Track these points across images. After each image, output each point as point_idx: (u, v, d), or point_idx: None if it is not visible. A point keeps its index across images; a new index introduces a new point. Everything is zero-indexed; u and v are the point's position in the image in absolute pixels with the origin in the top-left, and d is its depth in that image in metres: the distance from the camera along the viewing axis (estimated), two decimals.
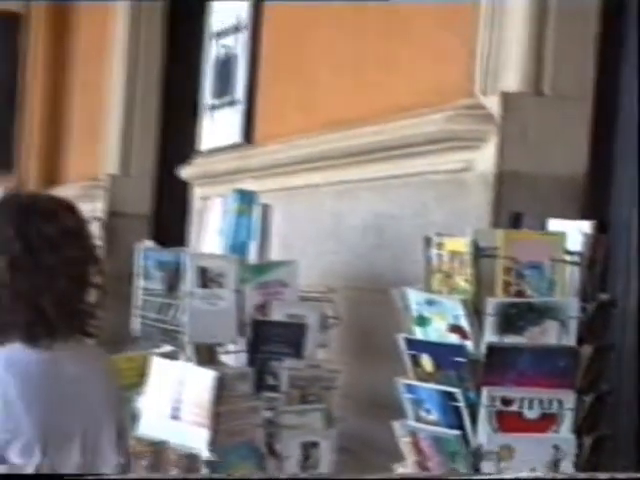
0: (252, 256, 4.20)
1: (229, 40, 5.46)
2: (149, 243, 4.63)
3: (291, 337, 4.05)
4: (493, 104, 3.71)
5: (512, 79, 3.76)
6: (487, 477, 3.26)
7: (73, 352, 3.24)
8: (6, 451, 3.09)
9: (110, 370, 3.49)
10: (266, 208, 4.29)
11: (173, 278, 4.15)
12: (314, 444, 4.05)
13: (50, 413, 3.18)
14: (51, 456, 3.17)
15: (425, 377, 3.57)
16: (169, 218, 6.58)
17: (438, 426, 3.51)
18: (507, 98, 3.69)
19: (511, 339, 3.23)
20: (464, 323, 3.28)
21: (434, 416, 3.54)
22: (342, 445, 4.12)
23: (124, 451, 3.49)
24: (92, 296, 3.32)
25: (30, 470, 3.11)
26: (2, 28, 8.86)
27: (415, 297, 3.57)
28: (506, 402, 3.22)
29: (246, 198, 4.28)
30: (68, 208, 3.35)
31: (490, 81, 3.79)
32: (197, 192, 5.60)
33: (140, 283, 4.64)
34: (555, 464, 3.25)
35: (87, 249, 3.30)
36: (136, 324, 4.47)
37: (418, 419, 3.60)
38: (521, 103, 3.69)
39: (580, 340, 3.27)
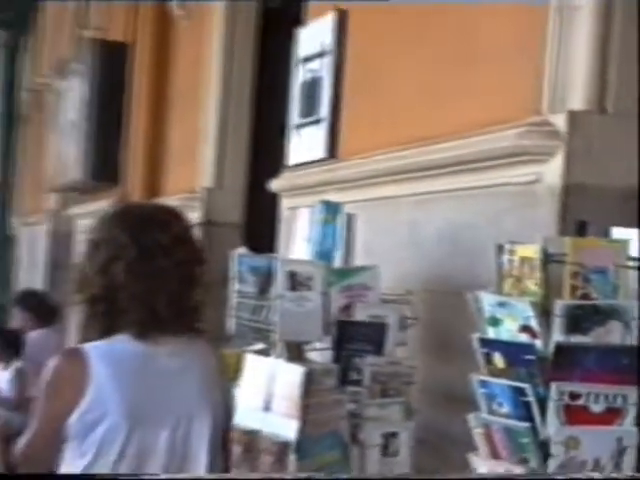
0: (337, 262, 4.20)
1: (315, 64, 5.46)
2: (243, 250, 4.63)
3: (373, 336, 4.04)
4: (560, 122, 3.69)
5: (577, 98, 3.74)
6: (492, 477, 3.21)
7: (175, 347, 3.33)
8: (94, 430, 3.19)
9: (215, 366, 3.51)
10: (350, 218, 4.29)
11: (265, 282, 4.16)
12: (394, 434, 4.04)
13: (139, 400, 3.27)
14: (137, 439, 3.26)
15: (497, 373, 3.56)
16: (259, 227, 6.59)
17: (509, 419, 3.49)
18: (573, 116, 3.67)
19: (577, 339, 3.20)
20: (534, 324, 3.25)
21: (506, 409, 3.52)
22: (420, 436, 4.11)
23: (228, 443, 3.55)
24: (199, 295, 3.38)
25: (116, 449, 3.22)
26: (111, 56, 8.99)
27: (488, 299, 3.55)
28: (573, 397, 3.20)
29: (331, 209, 4.29)
30: (177, 216, 3.46)
31: (557, 100, 3.77)
32: (285, 203, 5.60)
33: (235, 286, 4.65)
34: (619, 455, 3.23)
35: (194, 252, 3.38)
36: (231, 324, 4.49)
37: (491, 412, 3.58)
38: (586, 120, 3.67)
39: None
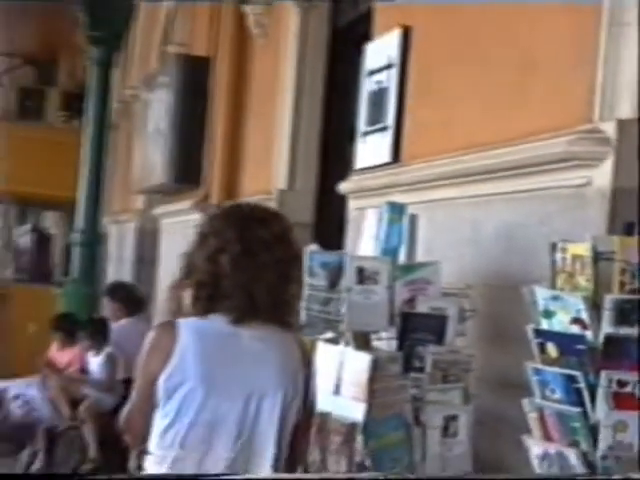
0: (402, 258, 4.21)
1: (381, 76, 5.46)
2: (314, 247, 4.64)
3: (434, 327, 4.04)
4: (610, 129, 3.67)
5: (626, 107, 3.71)
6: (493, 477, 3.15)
7: (261, 333, 3.45)
8: (175, 393, 3.34)
9: (299, 358, 3.57)
10: (413, 218, 4.29)
11: (335, 276, 4.17)
12: (454, 417, 4.05)
13: (216, 371, 3.41)
14: (211, 407, 3.40)
15: (550, 362, 3.54)
16: (328, 226, 6.59)
17: (561, 404, 3.47)
18: (622, 124, 3.65)
19: (625, 330, 3.19)
20: (585, 316, 3.25)
21: (558, 395, 3.50)
22: (477, 418, 4.09)
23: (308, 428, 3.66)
24: (294, 290, 3.55)
25: (191, 414, 3.38)
26: (194, 69, 9.10)
27: (542, 293, 3.54)
28: (621, 384, 3.19)
29: (397, 209, 4.28)
30: (278, 216, 3.61)
31: (607, 109, 3.75)
32: (352, 204, 5.60)
33: (306, 280, 4.66)
34: None
35: (292, 250, 3.51)
36: (303, 315, 4.50)
37: (544, 397, 3.56)
38: (634, 128, 3.64)
39: None
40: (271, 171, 7.47)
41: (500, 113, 4.38)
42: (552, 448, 3.54)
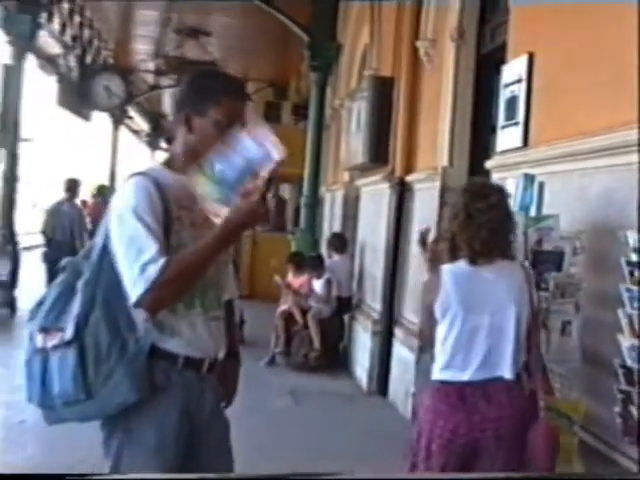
0: (532, 212, 4.16)
1: (514, 87, 5.39)
2: None
3: (555, 260, 4.00)
4: None
5: None
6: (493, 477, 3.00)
7: (493, 267, 3.50)
8: (445, 315, 3.45)
9: (520, 277, 3.57)
10: (541, 184, 4.24)
11: None
12: (569, 322, 4.03)
13: (469, 297, 3.46)
14: (470, 321, 3.44)
15: (637, 283, 3.47)
16: None
17: None
18: None
19: None
20: None
21: None
22: (585, 323, 4.02)
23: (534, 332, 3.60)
24: (512, 237, 3.65)
25: (458, 326, 3.44)
26: (382, 86, 9.06)
27: (632, 235, 3.51)
28: None
29: (529, 178, 4.24)
30: (494, 190, 3.65)
31: None
32: (495, 176, 5.54)
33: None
34: None
35: (503, 213, 3.56)
36: None
37: (632, 308, 3.49)
38: None
39: None
40: (436, 154, 7.44)
41: (600, 107, 4.27)
42: (637, 342, 3.48)
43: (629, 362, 3.50)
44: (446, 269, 3.51)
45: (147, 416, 2.70)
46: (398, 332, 8.13)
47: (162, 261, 2.56)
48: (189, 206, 2.73)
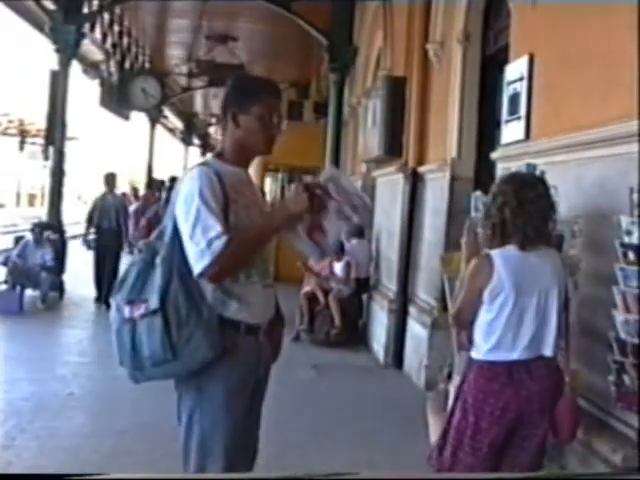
0: None
1: (516, 85, 5.38)
2: (477, 192, 4.65)
3: (556, 242, 3.93)
4: None
5: None
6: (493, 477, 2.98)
7: (538, 252, 3.42)
8: (496, 298, 3.36)
9: (558, 262, 3.53)
10: (542, 173, 4.23)
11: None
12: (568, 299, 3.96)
13: (519, 281, 3.38)
14: (519, 303, 3.37)
15: (631, 264, 3.47)
16: (484, 180, 6.51)
17: (637, 289, 3.41)
18: None
19: None
20: None
21: (634, 284, 3.43)
22: (582, 299, 4.02)
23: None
24: (552, 226, 3.55)
25: (509, 309, 3.35)
26: (395, 85, 9.03)
27: (624, 220, 3.52)
28: None
29: (531, 167, 4.26)
30: (538, 181, 3.61)
31: None
32: (499, 166, 5.55)
33: (472, 214, 4.68)
34: None
35: (546, 202, 3.50)
36: None
37: (626, 286, 3.49)
38: None
39: None
40: (446, 146, 7.43)
41: (594, 103, 4.26)
42: (630, 316, 3.48)
43: (623, 335, 3.52)
44: (497, 254, 3.39)
45: (216, 376, 2.92)
46: (412, 310, 8.16)
47: (226, 238, 2.80)
48: (242, 191, 3.01)
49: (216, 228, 2.82)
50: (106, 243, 11.60)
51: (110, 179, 12.26)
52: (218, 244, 2.80)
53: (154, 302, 2.86)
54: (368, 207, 3.08)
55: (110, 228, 11.67)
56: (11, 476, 2.13)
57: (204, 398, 2.95)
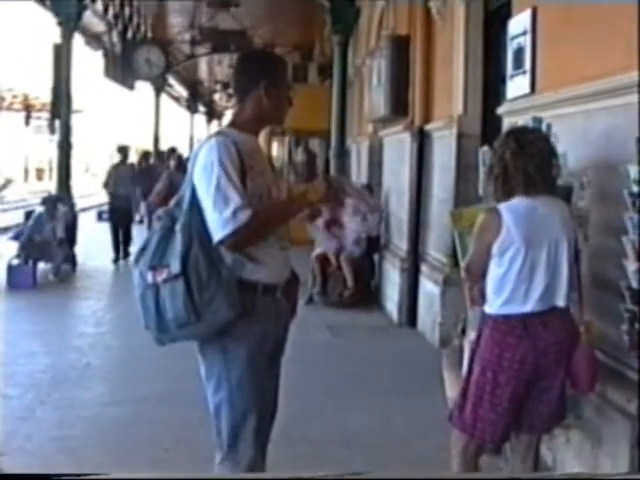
0: None
1: (520, 39, 5.33)
2: (484, 148, 4.63)
3: (564, 194, 3.90)
4: None
5: None
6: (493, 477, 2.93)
7: (546, 202, 3.41)
8: (506, 252, 3.34)
9: (567, 213, 3.52)
10: (548, 126, 4.22)
11: None
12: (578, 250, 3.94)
13: (529, 233, 3.34)
14: (530, 255, 3.35)
15: None
16: (491, 136, 6.47)
17: None
18: None
19: None
20: None
21: None
22: (593, 250, 4.01)
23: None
24: (556, 172, 3.53)
25: (519, 262, 3.33)
26: (399, 44, 9.05)
27: (632, 169, 3.52)
28: None
29: (537, 120, 4.22)
30: (538, 129, 3.86)
31: None
32: (506, 121, 5.50)
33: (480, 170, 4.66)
34: None
35: (551, 149, 3.54)
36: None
37: (635, 235, 3.48)
38: None
39: None
40: (452, 103, 7.38)
41: (598, 54, 4.21)
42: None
43: (634, 284, 3.51)
44: (504, 208, 3.36)
45: (238, 335, 3.05)
46: (424, 268, 8.17)
47: (249, 212, 2.94)
48: (257, 157, 3.16)
49: (237, 199, 2.94)
50: (120, 208, 13.19)
51: (123, 150, 13.94)
52: (241, 217, 2.93)
53: (176, 267, 2.97)
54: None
55: (124, 194, 13.24)
56: (10, 476, 2.07)
57: (229, 357, 3.08)
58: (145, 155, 17.27)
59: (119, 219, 13.17)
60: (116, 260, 12.95)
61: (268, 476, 3.16)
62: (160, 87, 23.20)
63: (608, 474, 3.02)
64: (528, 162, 3.35)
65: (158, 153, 19.35)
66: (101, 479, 1.86)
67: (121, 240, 13.04)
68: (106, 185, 13.55)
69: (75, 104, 13.08)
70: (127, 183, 13.28)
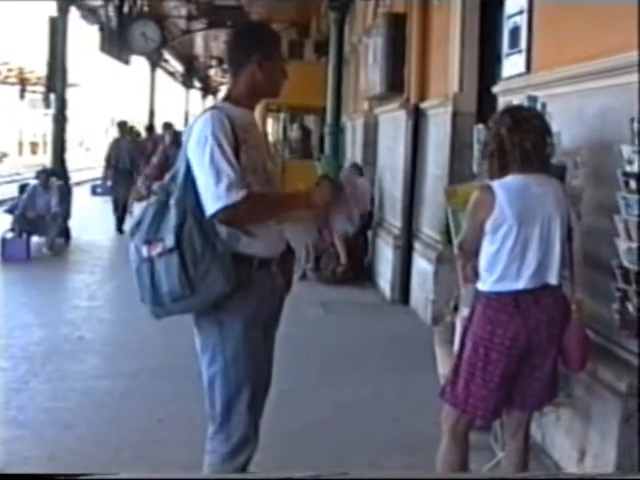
0: None
1: (517, 18, 5.34)
2: (480, 125, 4.62)
3: (558, 173, 3.87)
4: None
5: None
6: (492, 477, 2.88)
7: (540, 180, 3.39)
8: (499, 229, 3.32)
9: (560, 192, 3.49)
10: (543, 104, 4.20)
11: None
12: (571, 229, 3.93)
13: (522, 210, 3.32)
14: (523, 233, 3.33)
15: (632, 192, 3.46)
16: (485, 114, 6.45)
17: (637, 217, 3.40)
18: None
19: None
20: None
21: (636, 212, 3.44)
22: (586, 229, 4.00)
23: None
24: (549, 152, 3.51)
25: (512, 240, 3.32)
26: (396, 22, 9.01)
27: (626, 149, 3.55)
28: None
29: (532, 99, 4.21)
30: (533, 108, 3.79)
31: None
32: (501, 99, 5.52)
33: (475, 145, 4.67)
34: None
35: (546, 128, 3.52)
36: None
37: (627, 214, 3.48)
38: None
39: None
40: (447, 81, 7.36)
41: (594, 34, 4.19)
42: (632, 244, 3.48)
43: (625, 263, 3.52)
44: (498, 185, 3.35)
45: (233, 308, 3.08)
46: (417, 245, 8.18)
47: (245, 192, 2.97)
48: (251, 131, 3.17)
49: (230, 171, 2.95)
50: (121, 180, 13.52)
51: (122, 126, 14.63)
52: (234, 195, 2.95)
53: (170, 241, 2.98)
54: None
55: (124, 168, 13.72)
56: (9, 476, 2.12)
57: (224, 330, 3.10)
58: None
59: (119, 192, 13.52)
60: (119, 229, 13.32)
61: (260, 476, 3.09)
62: (156, 62, 23.07)
63: (608, 474, 3.01)
64: (524, 138, 3.35)
65: (149, 127, 19.19)
66: (108, 479, 1.82)
67: (121, 210, 13.41)
68: (107, 161, 14.05)
69: (70, 78, 13.03)
70: (126, 158, 13.82)
